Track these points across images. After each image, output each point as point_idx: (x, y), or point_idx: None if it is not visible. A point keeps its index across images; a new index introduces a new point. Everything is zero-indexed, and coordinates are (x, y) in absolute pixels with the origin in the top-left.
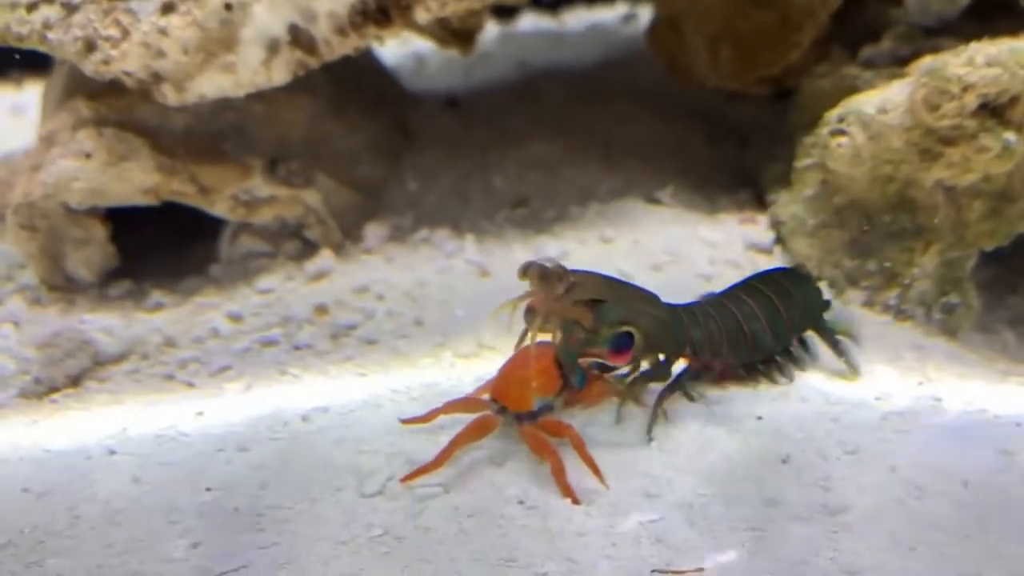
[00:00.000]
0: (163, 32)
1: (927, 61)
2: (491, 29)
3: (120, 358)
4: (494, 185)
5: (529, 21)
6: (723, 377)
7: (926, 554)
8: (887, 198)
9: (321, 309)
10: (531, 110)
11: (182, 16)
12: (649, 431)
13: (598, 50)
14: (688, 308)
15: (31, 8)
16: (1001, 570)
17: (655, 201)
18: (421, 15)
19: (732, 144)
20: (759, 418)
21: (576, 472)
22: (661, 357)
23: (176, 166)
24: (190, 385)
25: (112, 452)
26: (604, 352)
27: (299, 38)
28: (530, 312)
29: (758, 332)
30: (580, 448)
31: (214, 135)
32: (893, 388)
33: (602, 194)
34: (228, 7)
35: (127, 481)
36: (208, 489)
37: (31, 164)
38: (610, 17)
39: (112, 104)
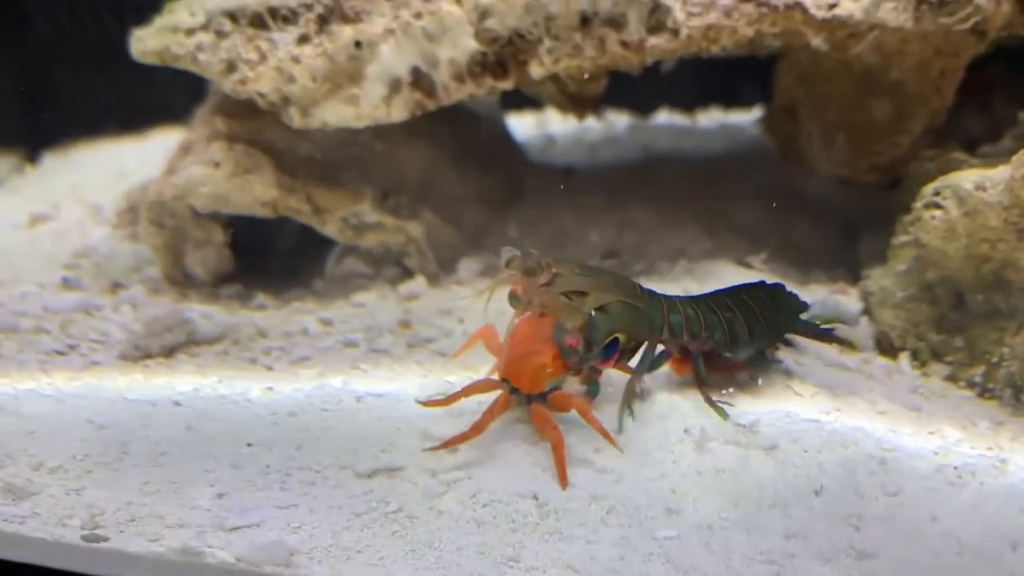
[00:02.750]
0: (295, 59)
1: None
2: (624, 120)
3: (214, 340)
4: (590, 239)
5: (663, 117)
6: (709, 361)
7: None
8: (982, 277)
9: (404, 323)
10: (642, 184)
11: (314, 47)
12: (620, 420)
13: (722, 144)
14: (667, 296)
15: (189, 33)
16: None
17: (746, 265)
18: (536, 70)
19: (836, 229)
20: (804, 451)
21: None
22: (643, 347)
23: (295, 185)
24: (269, 368)
25: (177, 404)
26: (596, 361)
27: (420, 81)
28: (514, 297)
29: (733, 322)
30: (586, 414)
31: (335, 165)
32: (957, 446)
33: (694, 254)
34: (358, 44)
35: (181, 428)
36: (249, 444)
37: (168, 168)
38: (743, 119)
39: (246, 124)
